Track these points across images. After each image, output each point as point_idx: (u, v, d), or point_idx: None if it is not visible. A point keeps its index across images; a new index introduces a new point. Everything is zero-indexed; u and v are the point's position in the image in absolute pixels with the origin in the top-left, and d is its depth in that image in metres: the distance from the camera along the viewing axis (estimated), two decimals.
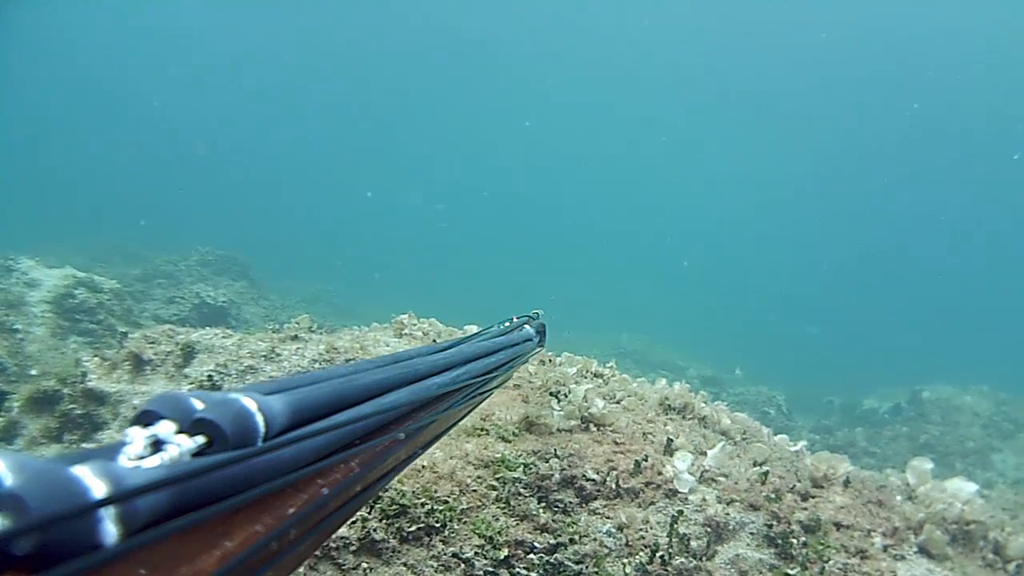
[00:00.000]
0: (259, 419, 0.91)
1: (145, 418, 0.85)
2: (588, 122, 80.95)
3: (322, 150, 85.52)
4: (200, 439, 0.85)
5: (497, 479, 4.20)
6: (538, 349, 3.13)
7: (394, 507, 3.85)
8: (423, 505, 3.90)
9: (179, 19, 75.07)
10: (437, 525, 3.87)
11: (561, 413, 4.85)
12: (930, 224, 67.72)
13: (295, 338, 6.92)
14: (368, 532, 3.73)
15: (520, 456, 4.39)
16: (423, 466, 4.17)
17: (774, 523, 4.28)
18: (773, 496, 4.44)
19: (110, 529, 0.68)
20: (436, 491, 4.01)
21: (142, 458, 0.79)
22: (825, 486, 4.75)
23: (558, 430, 4.77)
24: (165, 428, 0.84)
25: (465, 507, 4.01)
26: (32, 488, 0.63)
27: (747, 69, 68.17)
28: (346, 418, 1.12)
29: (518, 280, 47.26)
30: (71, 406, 6.88)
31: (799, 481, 4.66)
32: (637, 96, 75.95)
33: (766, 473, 4.58)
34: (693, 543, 4.06)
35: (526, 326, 2.99)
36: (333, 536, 3.68)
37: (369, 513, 3.81)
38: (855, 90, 64.97)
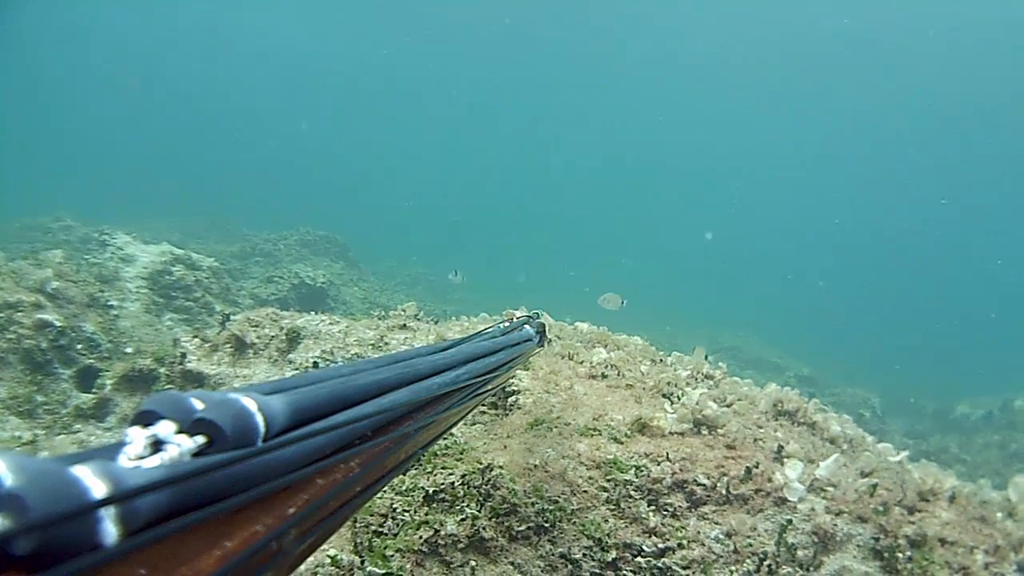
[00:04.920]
0: (259, 419, 0.96)
1: (145, 418, 0.90)
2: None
3: (421, 138, 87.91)
4: (200, 439, 0.90)
5: (608, 480, 4.26)
6: (537, 349, 3.19)
7: (505, 506, 3.95)
8: (533, 504, 3.99)
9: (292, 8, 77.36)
10: (546, 525, 3.95)
11: (674, 416, 4.87)
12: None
13: (403, 327, 7.06)
14: (477, 530, 3.84)
15: (632, 458, 4.44)
16: (535, 465, 4.25)
17: (881, 536, 4.27)
18: (881, 509, 4.39)
19: (110, 529, 0.73)
20: (547, 491, 4.08)
21: (142, 458, 0.84)
22: (931, 500, 4.72)
23: (670, 433, 4.80)
24: (165, 428, 0.89)
25: (575, 508, 4.08)
26: (32, 488, 0.67)
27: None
28: (346, 418, 1.16)
29: (611, 273, 47.01)
30: (167, 386, 7.16)
31: (906, 494, 4.62)
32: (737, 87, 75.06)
33: (875, 485, 4.55)
34: (800, 552, 4.06)
35: (526, 326, 3.06)
36: (440, 532, 3.80)
37: (480, 511, 3.91)
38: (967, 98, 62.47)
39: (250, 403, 0.97)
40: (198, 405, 0.94)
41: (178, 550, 0.79)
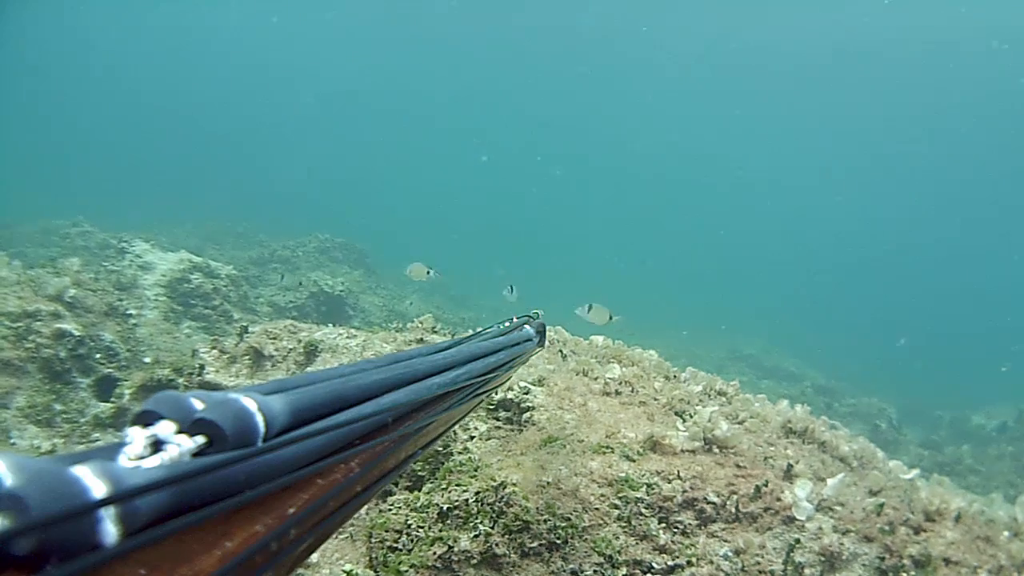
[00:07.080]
0: (259, 419, 0.96)
1: (145, 418, 0.90)
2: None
3: (438, 141, 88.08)
4: (200, 439, 0.90)
5: (620, 498, 4.26)
6: (537, 349, 3.16)
7: (517, 522, 3.95)
8: (546, 521, 3.99)
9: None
10: (558, 542, 3.95)
11: (686, 434, 4.88)
12: None
13: (420, 341, 7.05)
14: (490, 547, 3.85)
15: (644, 476, 4.44)
16: (548, 482, 4.25)
17: (886, 556, 4.29)
18: (887, 528, 4.41)
19: (110, 529, 0.73)
20: (559, 508, 4.08)
21: (142, 458, 0.84)
22: (937, 520, 4.73)
23: (682, 451, 4.80)
24: (165, 428, 0.89)
25: (587, 525, 4.08)
26: (32, 488, 0.67)
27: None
28: (346, 418, 1.16)
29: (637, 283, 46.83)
30: None
31: (912, 514, 4.63)
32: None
33: (882, 505, 4.56)
34: (807, 571, 4.07)
35: (526, 326, 3.03)
36: (453, 549, 3.81)
37: (493, 528, 3.92)
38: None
39: (250, 403, 0.97)
40: (198, 405, 0.94)
41: (178, 550, 0.79)
